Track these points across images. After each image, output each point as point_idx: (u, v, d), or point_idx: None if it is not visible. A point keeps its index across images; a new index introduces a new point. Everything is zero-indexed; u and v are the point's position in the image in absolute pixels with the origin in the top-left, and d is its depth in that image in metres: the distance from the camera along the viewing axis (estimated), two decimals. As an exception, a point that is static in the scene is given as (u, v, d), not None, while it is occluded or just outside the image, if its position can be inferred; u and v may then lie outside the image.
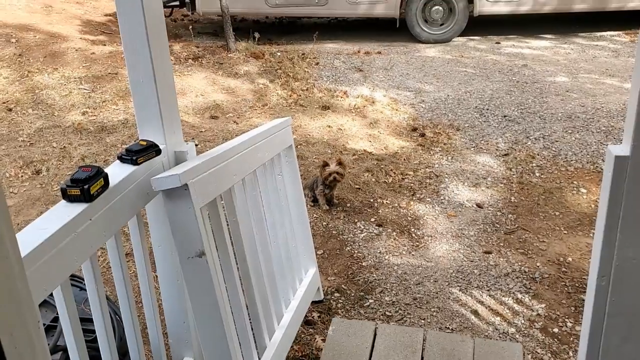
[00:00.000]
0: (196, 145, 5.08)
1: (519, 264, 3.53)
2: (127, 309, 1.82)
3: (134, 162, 1.79)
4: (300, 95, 6.39)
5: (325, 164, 4.09)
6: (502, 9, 8.37)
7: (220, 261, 2.04)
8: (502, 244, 3.74)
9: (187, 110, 5.89)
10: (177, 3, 9.09)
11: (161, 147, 1.93)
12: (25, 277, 0.86)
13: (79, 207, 1.53)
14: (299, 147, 5.10)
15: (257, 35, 7.81)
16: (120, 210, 1.71)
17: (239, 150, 2.25)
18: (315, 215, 4.05)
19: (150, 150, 1.85)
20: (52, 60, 7.00)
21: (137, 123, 1.96)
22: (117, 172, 1.75)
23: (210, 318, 1.87)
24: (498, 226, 3.95)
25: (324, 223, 3.97)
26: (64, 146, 4.97)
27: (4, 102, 5.81)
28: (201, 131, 5.43)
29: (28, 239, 1.36)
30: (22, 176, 4.46)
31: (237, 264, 2.19)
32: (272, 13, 9.19)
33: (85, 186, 1.54)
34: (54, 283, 1.44)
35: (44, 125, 5.38)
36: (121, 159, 1.82)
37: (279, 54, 7.64)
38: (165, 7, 9.07)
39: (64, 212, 1.51)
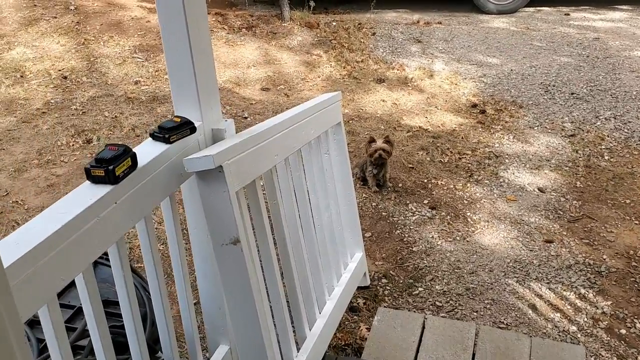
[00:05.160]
0: (245, 118, 4.99)
1: (583, 255, 3.26)
2: (158, 293, 1.72)
3: (167, 141, 1.67)
4: (354, 67, 6.16)
5: (372, 140, 3.89)
6: (574, -23, 7.79)
7: (258, 247, 1.91)
8: (565, 233, 3.47)
9: (238, 81, 5.78)
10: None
11: (197, 124, 1.79)
12: (9, 292, 0.74)
13: (103, 189, 1.42)
14: (350, 122, 4.91)
15: (312, 4, 7.57)
16: (150, 191, 1.60)
17: (282, 128, 2.10)
18: (364, 196, 3.87)
19: (185, 127, 1.72)
20: (108, 29, 7.00)
21: (173, 97, 1.83)
22: (147, 151, 1.63)
23: (243, 308, 1.75)
24: (561, 213, 3.67)
25: (374, 204, 3.79)
26: (116, 115, 4.96)
27: (59, 70, 5.85)
28: (251, 103, 5.31)
29: (45, 225, 1.26)
30: (73, 145, 4.47)
31: (276, 249, 2.06)
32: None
33: (110, 167, 1.42)
34: (75, 270, 1.34)
35: (97, 93, 5.39)
36: (153, 136, 1.70)
37: (334, 23, 7.40)
38: (221, -26, 8.95)
39: (86, 195, 1.40)
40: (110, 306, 1.79)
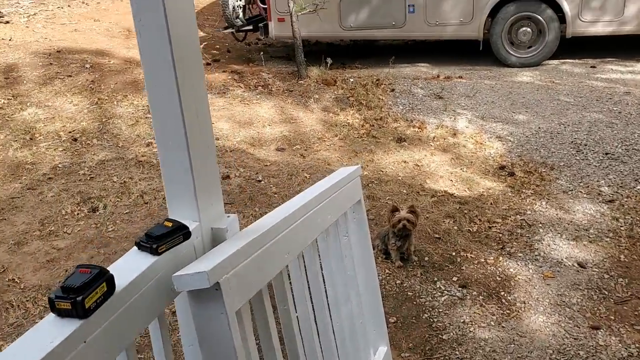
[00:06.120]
0: (259, 181, 4.74)
1: (637, 345, 2.88)
2: None
3: (154, 252, 1.39)
4: (373, 126, 5.93)
5: (395, 209, 3.60)
6: (601, 29, 7.57)
7: (265, 366, 1.61)
8: (612, 317, 3.10)
9: (252, 142, 5.57)
10: (250, 28, 8.93)
11: (193, 225, 1.52)
12: None
13: (69, 326, 1.14)
14: (369, 185, 4.64)
15: (329, 60, 7.44)
16: (133, 318, 1.31)
17: (294, 220, 1.82)
18: (387, 272, 3.55)
19: (177, 234, 1.44)
20: (123, 87, 6.91)
21: (166, 193, 1.57)
22: (130, 266, 1.35)
23: None
24: (606, 293, 3.31)
25: (398, 281, 3.46)
26: (125, 181, 4.74)
27: (70, 132, 5.71)
28: (266, 165, 5.07)
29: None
30: (78, 214, 4.24)
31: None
32: (347, 36, 8.82)
33: (79, 297, 1.14)
34: None
35: (107, 157, 5.20)
36: (139, 245, 1.42)
37: (351, 80, 7.24)
38: (238, 31, 8.95)
39: (48, 334, 1.12)
40: None
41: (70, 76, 7.21)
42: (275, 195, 4.47)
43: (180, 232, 1.46)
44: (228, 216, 1.70)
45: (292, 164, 5.09)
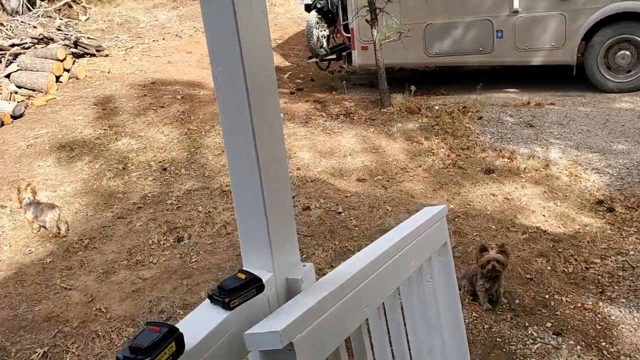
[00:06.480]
0: (339, 213, 4.67)
1: None
2: None
3: (226, 306, 1.34)
4: (459, 156, 5.73)
5: (484, 249, 3.39)
6: None
7: None
8: None
9: (333, 172, 5.53)
10: (334, 57, 9.00)
11: (267, 276, 1.46)
12: None
13: (136, 388, 1.10)
14: (455, 219, 4.44)
15: (413, 88, 7.32)
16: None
17: (374, 269, 1.72)
18: (474, 315, 3.35)
19: (250, 287, 1.38)
20: (211, 118, 7.12)
21: (240, 242, 1.52)
22: (201, 321, 1.30)
23: None
24: None
25: (486, 326, 3.25)
26: (209, 211, 4.82)
27: (160, 162, 5.92)
28: (346, 196, 5.00)
29: None
30: (164, 244, 4.35)
31: None
32: (432, 63, 8.66)
33: (147, 359, 1.10)
34: None
35: (193, 186, 5.33)
36: (211, 298, 1.37)
37: (436, 107, 7.06)
38: (322, 60, 9.03)
39: (115, 396, 1.08)
40: None
41: (162, 107, 7.52)
42: (356, 229, 4.38)
43: (253, 285, 1.40)
44: (304, 265, 1.63)
45: (374, 196, 4.98)
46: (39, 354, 3.17)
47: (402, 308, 2.04)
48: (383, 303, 1.80)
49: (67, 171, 5.84)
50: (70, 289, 3.84)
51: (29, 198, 4.65)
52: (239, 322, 1.36)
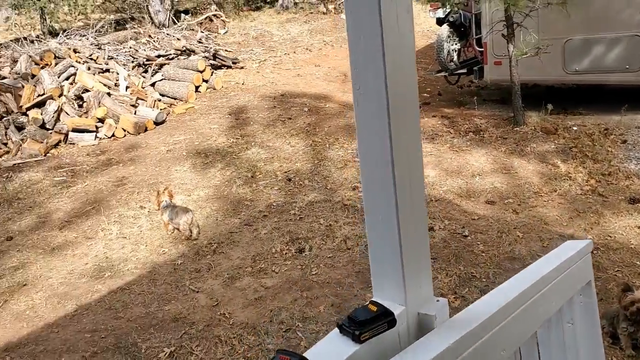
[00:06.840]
0: (465, 236, 4.47)
1: None
2: None
3: (356, 339, 1.28)
4: (600, 182, 5.28)
5: (627, 288, 3.06)
6: None
7: None
8: None
9: (460, 192, 5.33)
10: (464, 71, 8.75)
11: (399, 309, 1.39)
12: None
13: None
14: (594, 252, 4.07)
15: (550, 106, 6.89)
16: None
17: (512, 310, 1.59)
18: (615, 359, 3.04)
19: (381, 320, 1.32)
20: (335, 131, 7.19)
21: (371, 272, 1.46)
22: (329, 353, 1.26)
23: None
24: None
25: (628, 375, 2.93)
26: (330, 224, 4.84)
27: (285, 172, 6.06)
28: (473, 219, 4.78)
29: None
30: (286, 253, 4.42)
31: None
32: (571, 80, 8.10)
33: (276, 391, 1.08)
34: None
35: (316, 198, 5.39)
36: (341, 328, 1.33)
37: (575, 128, 6.59)
38: (451, 74, 8.81)
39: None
40: None
41: (290, 119, 7.73)
42: (483, 254, 4.17)
43: (385, 318, 1.33)
44: (437, 300, 1.54)
45: (503, 220, 4.72)
46: (166, 354, 3.33)
47: (538, 353, 1.87)
48: (519, 347, 1.66)
49: (201, 177, 6.16)
50: (197, 292, 4.01)
51: (166, 201, 4.95)
52: (368, 358, 1.31)
